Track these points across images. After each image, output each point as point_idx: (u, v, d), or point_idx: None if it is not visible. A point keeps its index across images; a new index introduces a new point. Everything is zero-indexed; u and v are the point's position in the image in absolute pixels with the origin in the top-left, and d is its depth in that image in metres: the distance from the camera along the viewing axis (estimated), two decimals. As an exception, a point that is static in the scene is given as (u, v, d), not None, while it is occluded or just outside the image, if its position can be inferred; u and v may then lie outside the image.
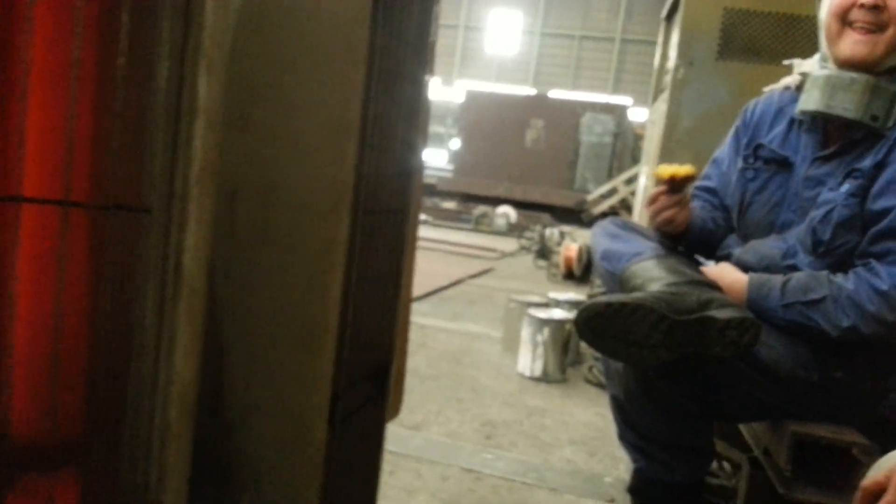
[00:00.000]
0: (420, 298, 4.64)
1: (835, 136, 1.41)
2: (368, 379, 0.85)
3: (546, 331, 3.08)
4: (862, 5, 1.30)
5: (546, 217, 10.90)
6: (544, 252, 6.99)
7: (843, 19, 1.33)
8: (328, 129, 0.68)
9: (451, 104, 19.96)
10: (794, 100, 1.49)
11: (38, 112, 0.41)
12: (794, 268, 1.39)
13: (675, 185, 1.49)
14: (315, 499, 0.68)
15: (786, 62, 1.56)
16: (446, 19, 23.82)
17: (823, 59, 1.41)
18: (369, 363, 0.84)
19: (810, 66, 1.45)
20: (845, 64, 1.34)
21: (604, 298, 1.31)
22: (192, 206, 0.45)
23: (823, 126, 1.43)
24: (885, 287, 1.23)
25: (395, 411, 1.17)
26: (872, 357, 1.36)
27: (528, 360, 3.13)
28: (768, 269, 1.43)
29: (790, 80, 1.53)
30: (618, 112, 13.50)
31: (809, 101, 1.39)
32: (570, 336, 3.18)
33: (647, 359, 1.31)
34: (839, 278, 1.29)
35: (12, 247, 0.42)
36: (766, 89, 1.61)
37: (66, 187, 0.42)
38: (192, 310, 0.46)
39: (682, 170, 1.47)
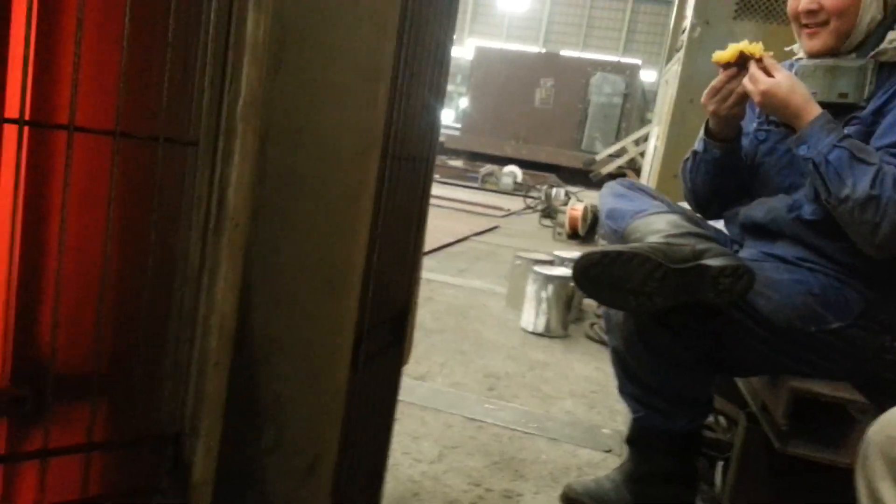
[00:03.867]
0: (427, 254, 4.68)
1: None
2: (389, 324, 0.88)
3: (550, 287, 3.11)
4: (801, 11, 1.46)
5: (553, 177, 10.85)
6: (550, 212, 7.00)
7: (798, 22, 1.49)
8: (361, 73, 0.68)
9: (460, 62, 19.69)
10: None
11: (91, 44, 0.43)
12: (800, 219, 1.44)
13: (741, 63, 1.44)
14: (335, 435, 0.71)
15: (787, 49, 1.62)
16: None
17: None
18: (390, 309, 0.87)
19: (797, 48, 1.56)
20: (811, 56, 1.48)
21: (600, 248, 1.35)
22: (238, 142, 0.46)
23: None
24: None
25: (406, 359, 1.21)
26: (868, 312, 1.40)
27: (532, 316, 3.17)
28: (774, 220, 1.48)
29: (794, 47, 1.59)
30: (628, 72, 13.33)
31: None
32: (573, 293, 3.22)
33: (643, 306, 1.34)
34: (890, 162, 1.31)
35: (63, 175, 0.44)
36: (788, 49, 1.62)
37: (117, 118, 0.43)
38: (234, 243, 0.48)
39: (751, 45, 1.43)
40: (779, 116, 1.44)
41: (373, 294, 0.76)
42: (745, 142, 1.59)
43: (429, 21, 0.83)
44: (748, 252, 1.55)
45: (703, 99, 1.51)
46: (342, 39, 0.68)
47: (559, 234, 6.29)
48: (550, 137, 13.07)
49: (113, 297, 0.49)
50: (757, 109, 1.59)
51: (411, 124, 0.82)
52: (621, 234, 1.50)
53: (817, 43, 1.45)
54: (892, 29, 1.43)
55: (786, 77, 1.38)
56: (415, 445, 1.87)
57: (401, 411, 2.07)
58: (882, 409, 1.34)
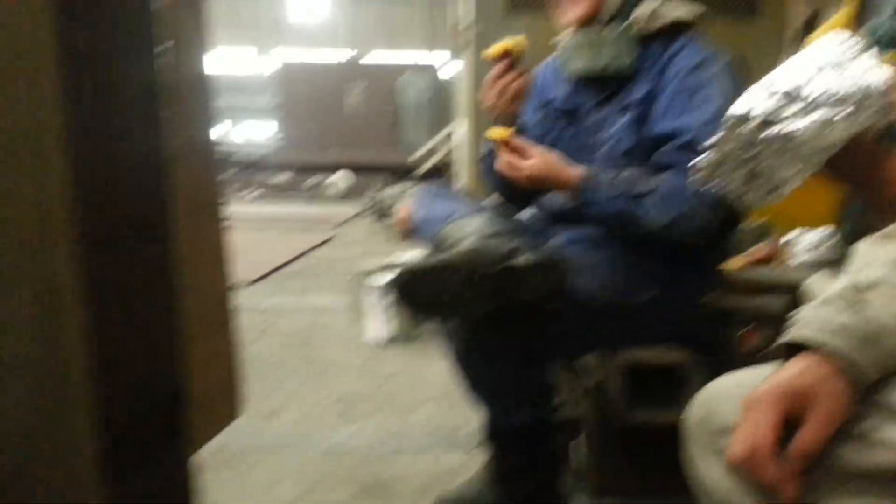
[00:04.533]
0: (259, 279, 4.47)
1: (604, 84, 1.54)
2: (155, 416, 0.75)
3: (392, 294, 3.07)
4: None
5: (380, 178, 10.86)
6: (382, 213, 6.97)
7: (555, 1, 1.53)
8: (23, 145, 0.55)
9: (269, 74, 19.10)
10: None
11: None
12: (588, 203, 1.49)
13: (514, 59, 1.47)
14: None
15: (552, 42, 1.66)
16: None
17: None
18: (149, 400, 0.73)
19: (563, 35, 1.61)
20: (574, 27, 1.52)
21: (410, 266, 1.33)
22: None
23: (595, 81, 1.55)
24: (689, 192, 1.32)
25: (233, 414, 1.09)
26: (677, 275, 1.48)
27: (378, 327, 3.11)
28: (574, 206, 1.51)
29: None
30: (431, 71, 13.76)
31: (563, 69, 1.58)
32: (415, 297, 3.19)
33: (466, 314, 1.36)
34: (663, 175, 1.37)
35: None
36: (553, 42, 1.67)
37: None
38: None
39: (513, 41, 1.47)
40: (551, 189, 1.49)
41: (113, 395, 0.63)
42: (532, 133, 1.63)
43: (118, 57, 0.66)
44: (560, 238, 1.58)
45: (481, 96, 1.54)
46: None
47: (394, 235, 6.28)
48: (370, 140, 13.08)
49: None
50: (537, 110, 1.64)
51: (120, 190, 0.65)
52: (435, 241, 1.48)
53: (577, 10, 1.49)
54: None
55: (539, 154, 1.43)
56: (269, 493, 1.75)
57: (253, 458, 1.93)
58: (709, 362, 1.43)
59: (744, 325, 1.64)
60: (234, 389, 1.06)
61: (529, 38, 1.63)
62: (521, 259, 1.32)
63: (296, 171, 12.43)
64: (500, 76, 1.48)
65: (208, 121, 0.98)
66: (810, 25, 2.57)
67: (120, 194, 0.65)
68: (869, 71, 0.89)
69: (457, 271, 1.30)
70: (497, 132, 1.48)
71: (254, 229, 6.43)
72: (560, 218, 1.59)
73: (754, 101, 0.91)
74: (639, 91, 1.47)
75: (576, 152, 1.54)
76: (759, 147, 0.90)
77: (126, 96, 0.67)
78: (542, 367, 1.55)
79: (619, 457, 1.59)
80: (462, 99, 3.64)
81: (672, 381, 1.48)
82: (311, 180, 10.73)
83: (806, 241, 1.88)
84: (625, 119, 1.47)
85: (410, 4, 22.45)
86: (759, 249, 1.91)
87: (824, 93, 0.89)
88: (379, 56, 19.26)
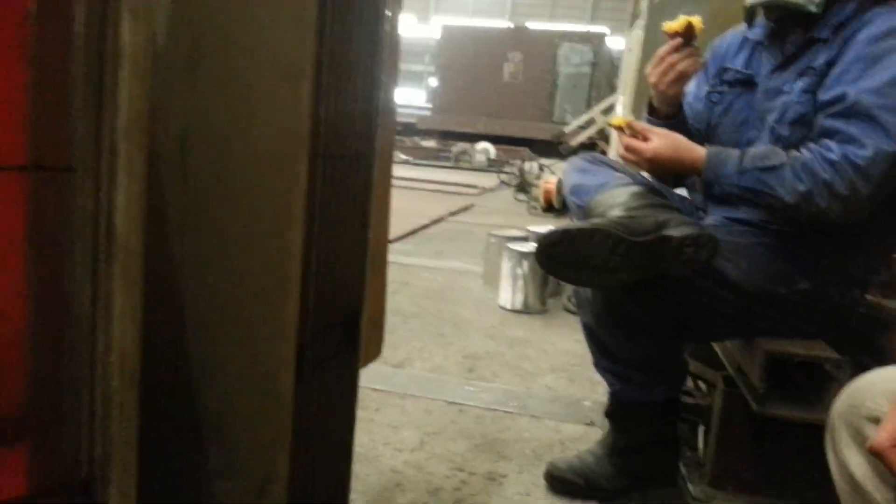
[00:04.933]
0: (402, 238, 4.64)
1: (788, 45, 1.44)
2: (338, 326, 0.85)
3: (525, 263, 3.10)
4: None
5: (526, 151, 10.82)
6: (524, 186, 6.98)
7: None
8: (280, 72, 0.65)
9: (427, 41, 19.49)
10: (756, 25, 1.53)
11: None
12: None
13: (689, 38, 1.44)
14: (285, 450, 0.68)
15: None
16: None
17: None
18: (338, 311, 0.84)
19: None
20: None
21: (561, 227, 1.34)
22: (122, 162, 0.43)
23: (777, 41, 1.46)
24: (836, 157, 1.24)
25: (377, 352, 1.18)
26: (836, 267, 1.40)
27: (510, 293, 3.16)
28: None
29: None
30: (595, 41, 13.31)
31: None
32: (550, 268, 3.20)
33: (609, 282, 1.35)
34: (794, 151, 1.31)
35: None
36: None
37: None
38: (127, 272, 0.45)
39: (695, 19, 1.43)
40: (675, 172, 1.43)
41: (315, 299, 0.73)
42: (699, 105, 1.58)
43: (358, 10, 0.79)
44: (713, 218, 1.54)
45: (646, 69, 1.50)
46: (258, 38, 0.65)
47: (534, 208, 6.28)
48: (521, 111, 13.02)
49: (5, 341, 0.46)
50: (709, 71, 1.57)
51: (345, 120, 0.78)
52: (585, 210, 1.49)
53: None
54: None
55: (661, 136, 1.38)
56: (395, 435, 1.86)
57: (380, 401, 2.05)
58: (856, 363, 1.35)
59: (901, 327, 1.52)
60: (380, 328, 1.15)
61: (714, 8, 1.57)
62: (675, 230, 1.31)
63: (444, 138, 12.69)
64: (670, 52, 1.44)
65: (394, 82, 1.07)
66: None
67: (345, 127, 0.75)
68: None
69: (608, 236, 1.30)
70: (617, 120, 1.46)
71: (397, 191, 6.67)
72: (714, 196, 1.53)
73: None
74: (821, 57, 1.36)
75: (746, 120, 1.48)
76: None
77: (362, 48, 0.78)
78: (679, 344, 1.53)
79: (745, 449, 1.54)
80: (628, 72, 3.53)
81: (815, 377, 1.41)
82: (457, 147, 10.90)
83: None
84: (800, 84, 1.38)
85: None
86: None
87: None
88: (541, 26, 19.02)
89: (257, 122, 0.66)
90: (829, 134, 1.28)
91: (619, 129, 1.45)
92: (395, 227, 4.87)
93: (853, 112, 1.25)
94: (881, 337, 1.54)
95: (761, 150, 1.34)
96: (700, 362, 1.92)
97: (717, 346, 1.74)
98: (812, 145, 1.29)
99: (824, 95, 1.32)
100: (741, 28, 1.59)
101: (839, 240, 1.40)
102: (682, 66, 1.44)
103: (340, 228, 0.81)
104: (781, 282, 1.39)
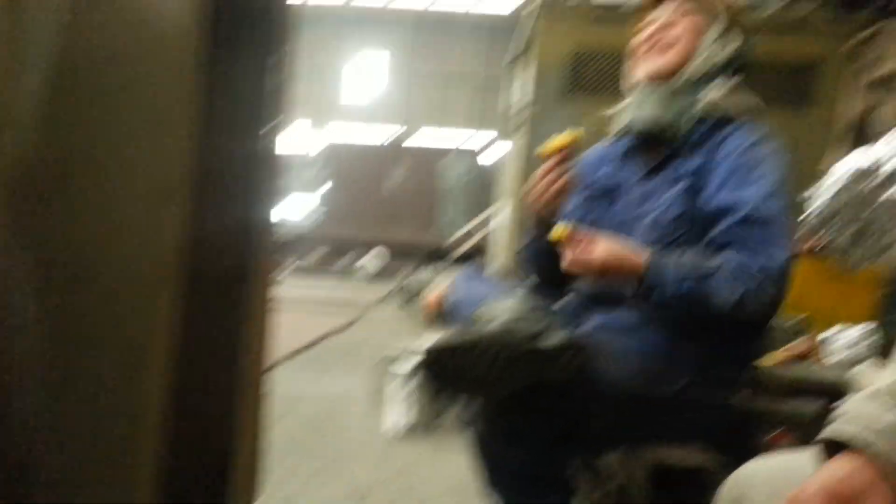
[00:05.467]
0: (284, 361, 4.43)
1: (653, 155, 1.54)
2: (204, 479, 0.74)
3: (414, 380, 3.00)
4: (644, 38, 1.54)
5: (414, 260, 10.95)
6: (411, 297, 6.96)
7: (639, 50, 1.56)
8: (150, 192, 0.61)
9: (317, 150, 19.82)
10: (613, 143, 1.64)
11: None
12: None
13: (568, 154, 1.46)
14: None
15: (606, 113, 1.67)
16: (306, 66, 23.77)
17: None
18: (204, 463, 0.74)
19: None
20: (650, 79, 1.53)
21: (442, 342, 1.33)
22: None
23: (640, 155, 1.56)
24: (755, 265, 1.31)
25: (255, 494, 1.06)
26: (710, 368, 1.43)
27: (399, 413, 3.03)
28: (612, 287, 1.50)
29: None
30: (476, 152, 14.00)
31: (618, 124, 1.57)
32: (439, 383, 3.12)
33: (493, 394, 1.35)
34: (717, 259, 1.34)
35: None
36: (608, 113, 1.68)
37: None
38: None
39: (570, 136, 1.46)
40: (621, 277, 1.43)
41: (175, 450, 0.64)
42: (572, 219, 1.61)
43: (240, 124, 0.74)
44: (591, 323, 1.55)
45: (527, 188, 1.53)
46: (131, 156, 0.59)
47: (422, 319, 6.24)
48: (409, 220, 13.29)
49: None
50: (578, 194, 1.62)
51: (220, 242, 0.71)
52: (468, 323, 1.48)
53: (659, 61, 1.51)
54: (723, 76, 1.51)
55: (603, 242, 1.40)
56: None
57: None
58: (736, 463, 1.35)
59: (774, 427, 1.56)
60: (256, 474, 1.04)
61: (585, 121, 1.65)
62: (549, 340, 1.32)
63: (330, 250, 12.63)
64: (550, 170, 1.47)
65: (277, 197, 1.02)
66: (864, 119, 2.55)
67: (219, 250, 0.71)
68: None
69: (485, 349, 1.30)
70: (560, 231, 1.44)
71: (280, 309, 6.45)
72: (595, 301, 1.56)
73: (881, 155, 0.85)
74: (692, 163, 1.46)
75: (617, 227, 1.53)
76: (877, 205, 0.84)
77: (244, 165, 0.74)
78: (564, 456, 1.50)
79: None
80: (508, 181, 3.65)
81: (697, 484, 1.40)
82: (343, 260, 10.86)
83: (844, 339, 1.79)
84: (676, 188, 1.46)
85: (462, 85, 23.25)
86: (795, 346, 1.82)
87: None
88: (427, 133, 19.88)
89: (122, 246, 0.60)
90: (737, 242, 1.34)
91: (563, 240, 1.43)
92: (276, 350, 4.66)
93: (751, 221, 1.34)
94: (753, 435, 1.57)
95: (690, 258, 1.37)
96: (591, 473, 1.86)
97: (602, 459, 1.70)
98: (730, 254, 1.34)
99: (714, 203, 1.40)
100: (597, 145, 1.69)
101: (707, 342, 1.44)
102: (559, 185, 1.48)
103: (211, 363, 0.73)
104: (658, 384, 1.40)
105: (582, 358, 1.32)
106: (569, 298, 1.67)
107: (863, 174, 0.83)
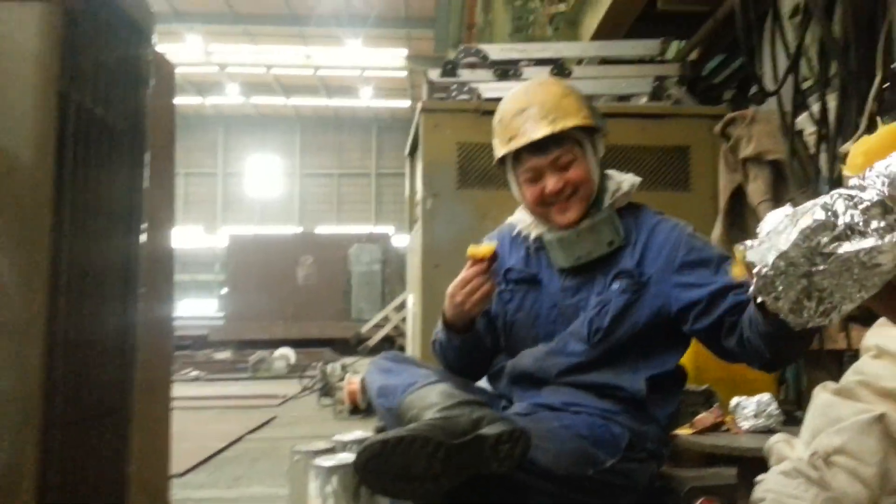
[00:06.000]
0: (192, 469, 4.16)
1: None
2: None
3: (334, 479, 2.87)
4: (550, 192, 1.55)
5: (327, 352, 10.69)
6: (328, 389, 6.76)
7: (543, 204, 1.58)
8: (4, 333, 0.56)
9: (216, 250, 19.32)
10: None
11: None
12: (565, 362, 1.52)
13: (492, 260, 1.51)
14: None
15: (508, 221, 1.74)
16: (203, 167, 23.49)
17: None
18: None
19: (521, 217, 1.67)
20: (568, 227, 1.57)
21: (379, 437, 1.28)
22: None
23: None
24: None
25: None
26: (635, 442, 1.46)
27: (321, 516, 2.88)
28: (541, 368, 1.54)
29: (513, 219, 1.73)
30: (382, 241, 14.10)
31: (559, 260, 1.59)
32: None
33: (432, 490, 1.28)
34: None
35: None
36: (509, 221, 1.75)
37: None
38: None
39: (493, 245, 1.53)
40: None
41: None
42: (493, 305, 1.64)
43: (105, 240, 0.71)
44: (518, 406, 1.56)
45: (449, 290, 1.56)
46: None
47: (340, 412, 6.06)
48: (319, 313, 13.04)
49: None
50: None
51: (90, 376, 0.67)
52: (396, 412, 1.44)
53: (573, 213, 1.56)
54: (607, 178, 1.61)
55: None
56: None
57: None
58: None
59: (697, 495, 1.60)
60: None
61: (480, 209, 1.71)
62: (490, 428, 1.30)
63: (240, 348, 12.16)
64: (476, 276, 1.50)
65: (170, 299, 0.98)
66: (736, 196, 2.77)
67: (90, 383, 0.67)
68: None
69: (427, 442, 1.25)
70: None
71: (189, 412, 6.11)
72: (520, 382, 1.58)
73: (838, 208, 0.78)
74: (628, 261, 1.53)
75: (538, 316, 1.57)
76: (831, 260, 0.76)
77: (107, 281, 0.71)
78: None
79: None
80: (412, 273, 3.68)
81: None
82: (255, 356, 10.46)
83: (749, 408, 1.88)
84: (617, 286, 1.52)
85: (359, 182, 23.57)
86: (705, 417, 1.90)
87: None
88: (330, 230, 19.84)
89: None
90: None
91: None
92: (184, 456, 4.38)
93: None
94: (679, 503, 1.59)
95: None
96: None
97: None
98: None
99: (708, 288, 1.46)
100: (504, 230, 1.73)
101: (635, 418, 1.49)
102: (487, 288, 1.51)
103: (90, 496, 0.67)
104: (587, 463, 1.42)
105: (523, 445, 1.30)
106: (493, 378, 1.69)
107: (821, 226, 0.75)
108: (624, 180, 1.61)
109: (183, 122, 23.53)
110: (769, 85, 2.56)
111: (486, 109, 3.23)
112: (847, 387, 0.76)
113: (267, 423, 5.94)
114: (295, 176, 23.94)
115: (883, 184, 0.76)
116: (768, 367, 1.45)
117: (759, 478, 0.73)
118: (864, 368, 0.78)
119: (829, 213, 0.78)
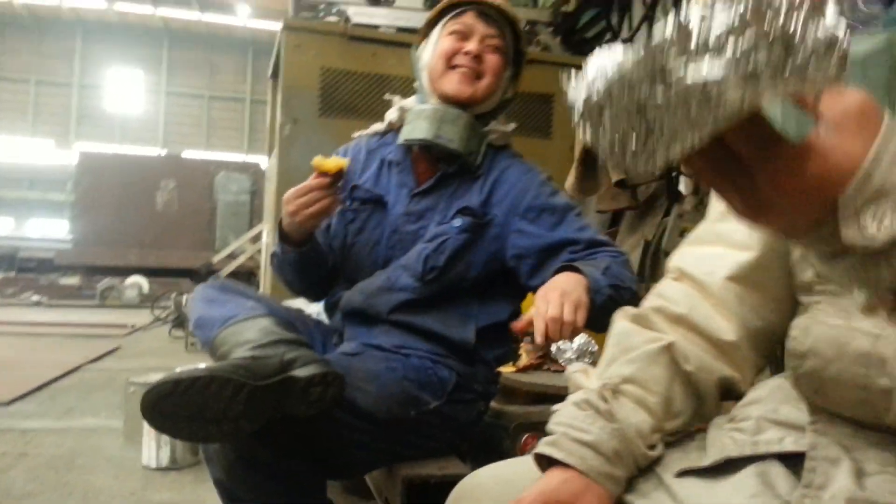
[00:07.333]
0: (21, 398, 3.87)
1: (426, 172, 1.53)
2: None
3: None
4: (466, 53, 1.48)
5: (186, 282, 10.21)
6: (182, 321, 6.48)
7: (449, 62, 1.49)
8: None
9: (69, 168, 17.77)
10: (383, 144, 1.58)
11: None
12: (396, 299, 1.46)
13: (337, 177, 1.40)
14: None
15: (387, 97, 1.64)
16: (56, 76, 21.30)
17: (423, 98, 1.53)
18: None
19: (410, 103, 1.56)
20: (449, 100, 1.48)
21: (172, 376, 1.17)
22: None
23: (413, 164, 1.54)
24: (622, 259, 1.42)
25: None
26: (462, 384, 1.46)
27: (154, 449, 2.77)
28: (372, 306, 1.48)
29: (383, 123, 1.61)
30: (252, 170, 13.49)
31: (416, 131, 1.48)
32: (201, 413, 2.91)
33: (230, 434, 1.21)
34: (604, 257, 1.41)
35: None
36: (355, 135, 1.66)
37: None
38: None
39: (344, 161, 1.41)
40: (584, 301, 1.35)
41: None
42: (334, 222, 1.57)
43: None
44: (348, 345, 1.52)
45: (285, 196, 1.45)
46: None
47: (192, 344, 5.84)
48: (179, 241, 12.39)
49: None
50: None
51: None
52: (210, 346, 1.35)
53: (468, 89, 1.48)
54: (503, 113, 1.58)
55: (555, 290, 1.29)
56: None
57: None
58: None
59: (523, 432, 1.65)
60: None
61: (342, 139, 1.62)
62: (301, 370, 1.23)
63: (89, 274, 11.37)
64: (317, 189, 1.39)
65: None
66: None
67: None
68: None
69: (226, 383, 1.16)
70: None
71: (26, 338, 5.67)
72: (353, 318, 1.53)
73: (693, 19, 0.55)
74: (475, 196, 1.49)
75: (379, 241, 1.51)
76: (672, 86, 0.56)
77: None
78: (321, 485, 1.43)
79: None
80: (268, 201, 3.53)
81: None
82: (103, 283, 9.83)
83: (569, 352, 1.96)
84: (458, 223, 1.46)
85: (232, 107, 22.32)
86: (531, 353, 1.97)
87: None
88: (197, 154, 18.73)
89: None
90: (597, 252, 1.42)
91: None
92: (13, 384, 4.08)
93: (592, 244, 1.43)
94: (505, 439, 1.64)
95: (592, 259, 1.41)
96: (355, 496, 1.85)
97: (367, 478, 1.69)
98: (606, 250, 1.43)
99: (542, 240, 1.45)
100: (361, 142, 1.63)
101: (463, 360, 1.48)
102: (324, 203, 1.41)
103: None
104: (411, 405, 1.40)
105: (335, 389, 1.25)
106: (329, 309, 1.63)
107: (670, 44, 0.55)
108: (509, 125, 1.59)
109: (35, 24, 21.20)
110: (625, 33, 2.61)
111: (354, 35, 3.10)
112: (643, 313, 0.77)
113: (110, 353, 5.63)
114: (161, 94, 22.28)
115: None
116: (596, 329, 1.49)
117: (554, 407, 0.73)
118: (662, 291, 0.78)
119: (681, 26, 0.53)
